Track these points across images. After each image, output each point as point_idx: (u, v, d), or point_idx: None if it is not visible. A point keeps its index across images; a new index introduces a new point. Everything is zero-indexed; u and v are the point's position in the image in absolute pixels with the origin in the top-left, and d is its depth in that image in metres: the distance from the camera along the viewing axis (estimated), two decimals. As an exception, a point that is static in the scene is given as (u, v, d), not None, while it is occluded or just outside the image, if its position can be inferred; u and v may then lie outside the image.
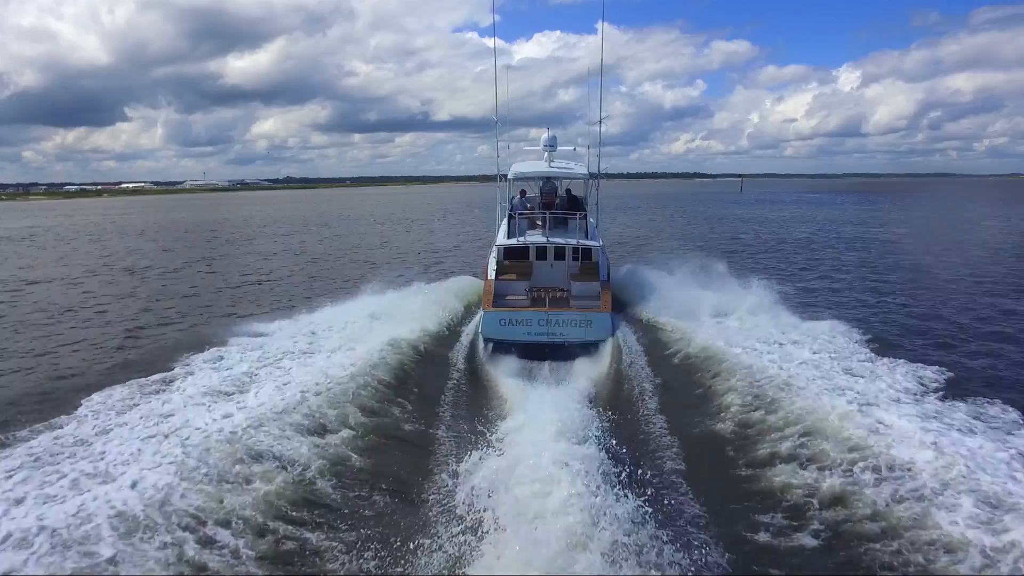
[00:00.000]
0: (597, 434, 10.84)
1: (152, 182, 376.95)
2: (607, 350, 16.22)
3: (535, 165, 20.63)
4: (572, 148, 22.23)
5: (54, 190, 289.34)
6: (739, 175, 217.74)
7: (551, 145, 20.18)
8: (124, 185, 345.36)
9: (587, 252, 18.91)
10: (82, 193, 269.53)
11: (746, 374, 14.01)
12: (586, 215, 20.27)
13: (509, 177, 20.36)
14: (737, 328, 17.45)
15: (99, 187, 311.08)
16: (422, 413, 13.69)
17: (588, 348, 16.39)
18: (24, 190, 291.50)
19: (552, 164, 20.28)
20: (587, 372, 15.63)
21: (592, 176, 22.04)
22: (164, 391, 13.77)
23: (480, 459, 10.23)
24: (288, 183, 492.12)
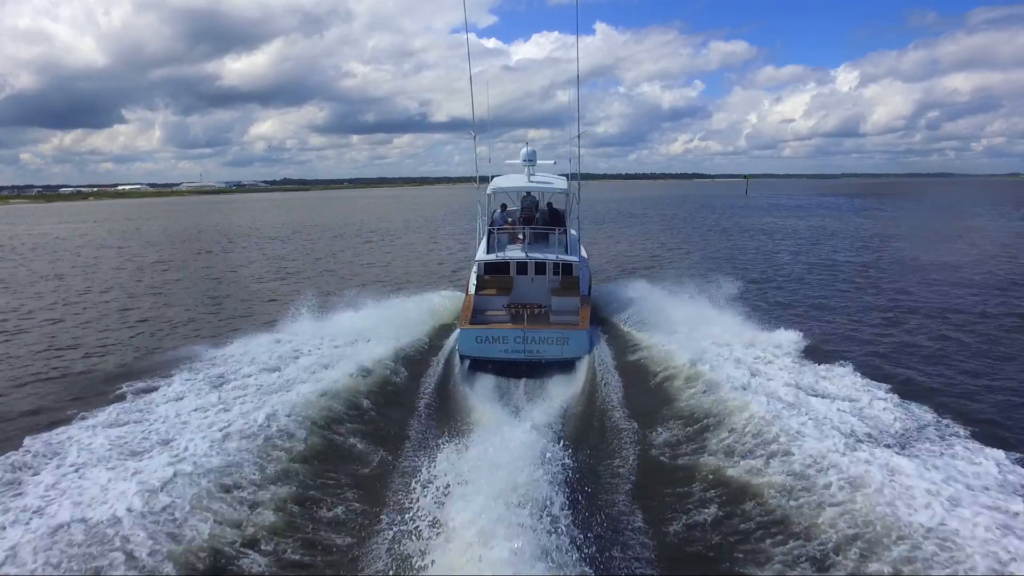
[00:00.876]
0: (549, 470, 10.47)
1: (148, 184, 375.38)
2: (583, 368, 16.05)
3: (515, 180, 20.63)
4: (552, 162, 22.03)
5: (48, 192, 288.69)
6: (744, 176, 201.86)
7: (530, 159, 20.11)
8: (120, 187, 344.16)
9: (567, 267, 18.92)
10: (71, 196, 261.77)
11: (719, 403, 13.81)
12: (566, 229, 20.27)
13: (488, 192, 20.41)
14: (718, 353, 16.83)
15: (95, 189, 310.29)
16: (384, 439, 13.48)
17: (565, 366, 16.27)
18: (19, 192, 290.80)
19: (532, 178, 20.22)
20: (561, 392, 15.45)
21: (574, 177, 22.01)
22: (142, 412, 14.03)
23: (421, 502, 9.84)
24: (285, 184, 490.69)
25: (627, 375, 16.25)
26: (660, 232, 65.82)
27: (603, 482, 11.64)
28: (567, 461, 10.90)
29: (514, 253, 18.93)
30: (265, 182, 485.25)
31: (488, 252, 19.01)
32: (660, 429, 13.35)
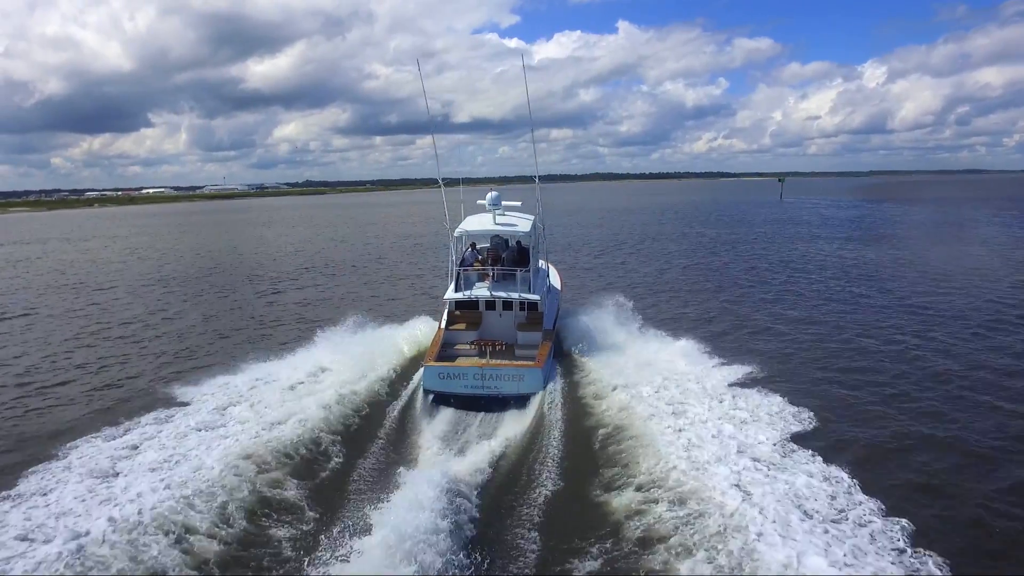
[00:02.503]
0: (469, 515, 11.69)
1: (173, 187, 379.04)
2: (535, 404, 16.84)
3: (482, 222, 21.56)
4: (519, 203, 23.07)
5: (75, 196, 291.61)
6: (778, 178, 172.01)
7: (496, 204, 21.40)
8: (145, 191, 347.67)
9: (532, 304, 19.99)
10: (75, 203, 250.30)
11: (651, 451, 13.99)
12: (534, 268, 21.27)
13: (456, 234, 21.12)
14: (663, 395, 17.03)
15: (119, 193, 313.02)
16: (329, 483, 13.86)
17: (521, 400, 17.04)
18: (48, 196, 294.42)
19: (498, 221, 21.29)
20: (509, 429, 16.01)
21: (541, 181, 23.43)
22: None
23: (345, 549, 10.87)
24: (307, 187, 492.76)
25: (571, 414, 16.68)
26: (688, 282, 38.27)
27: (506, 534, 11.92)
28: (471, 515, 11.82)
29: (481, 292, 19.95)
30: (287, 184, 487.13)
31: (456, 291, 20.08)
32: (582, 475, 13.79)
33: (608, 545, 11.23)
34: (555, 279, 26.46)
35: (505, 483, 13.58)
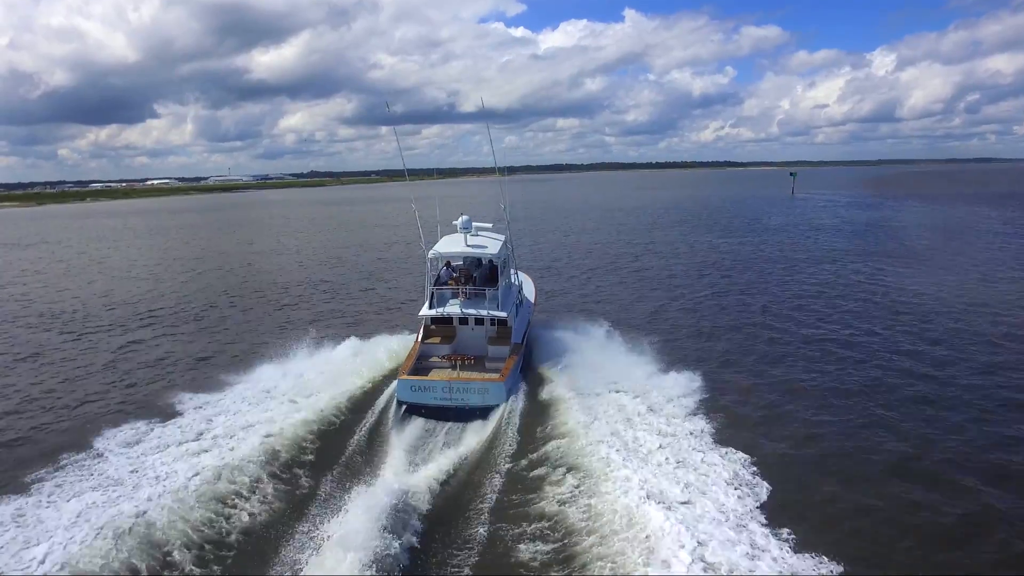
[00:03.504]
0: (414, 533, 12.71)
1: (178, 178, 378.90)
2: (497, 415, 18.08)
3: (454, 244, 22.55)
4: (490, 225, 24.19)
5: (80, 188, 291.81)
6: (790, 172, 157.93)
7: (467, 227, 22.35)
8: (150, 182, 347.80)
9: (502, 320, 21.27)
10: (66, 196, 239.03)
11: (591, 462, 15.18)
12: (507, 284, 22.85)
13: (430, 256, 22.10)
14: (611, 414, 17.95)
15: (124, 184, 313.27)
16: (296, 495, 14.81)
17: (486, 411, 18.34)
18: (52, 188, 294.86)
19: (469, 243, 22.30)
20: (471, 439, 17.38)
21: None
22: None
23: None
24: (313, 177, 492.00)
25: (527, 426, 17.84)
26: (693, 323, 30.38)
27: (447, 544, 12.93)
28: (416, 528, 12.92)
29: (453, 309, 21.14)
30: (292, 175, 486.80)
31: (430, 308, 21.24)
32: (523, 484, 15.05)
33: (538, 546, 12.64)
34: (530, 290, 27.59)
35: (455, 493, 14.80)
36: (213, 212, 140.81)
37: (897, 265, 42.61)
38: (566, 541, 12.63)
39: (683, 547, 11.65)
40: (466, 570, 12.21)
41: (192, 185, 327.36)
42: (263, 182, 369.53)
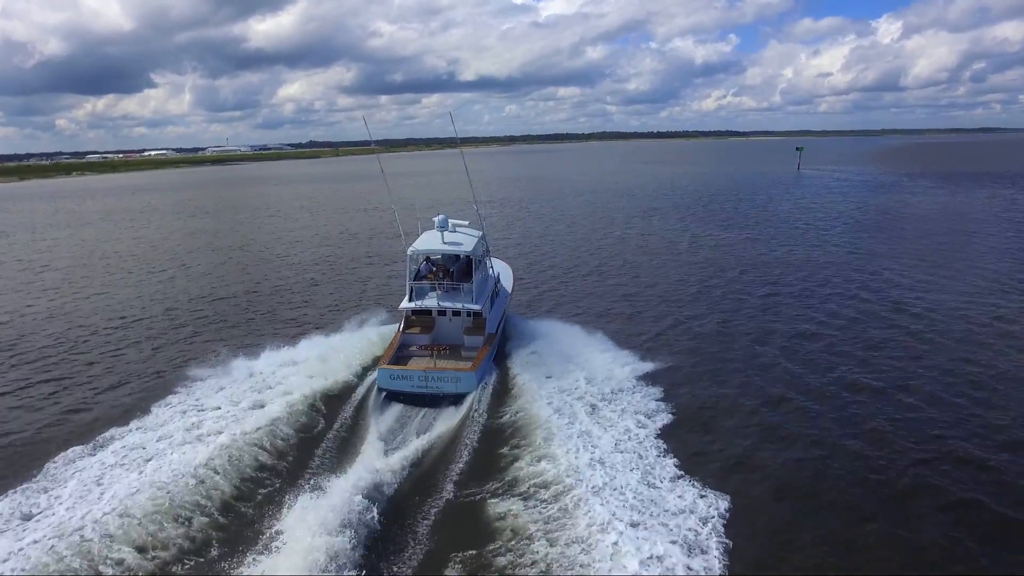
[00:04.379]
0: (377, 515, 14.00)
1: (175, 149, 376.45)
2: (468, 403, 19.60)
3: (432, 241, 23.87)
4: (467, 223, 25.76)
5: (77, 159, 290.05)
6: (792, 139, 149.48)
7: (443, 226, 23.72)
8: (148, 153, 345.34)
9: (476, 312, 22.73)
10: (48, 170, 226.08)
11: (547, 446, 16.68)
12: (485, 276, 24.39)
13: (409, 252, 23.44)
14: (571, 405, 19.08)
15: (122, 155, 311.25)
16: (279, 477, 16.24)
17: (458, 398, 19.89)
18: (49, 160, 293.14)
19: (445, 240, 23.63)
20: (443, 425, 18.82)
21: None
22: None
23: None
24: (312, 147, 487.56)
25: (493, 412, 19.31)
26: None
27: (409, 524, 14.33)
28: (383, 509, 14.41)
29: (431, 302, 22.75)
30: (290, 145, 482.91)
31: (410, 301, 22.90)
32: (486, 467, 16.42)
33: (490, 528, 13.89)
34: (508, 279, 28.62)
35: (421, 477, 16.19)
36: (197, 189, 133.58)
37: (928, 271, 36.49)
38: (515, 524, 13.80)
39: (615, 532, 12.94)
40: (425, 548, 13.54)
41: (187, 157, 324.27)
42: (260, 153, 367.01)
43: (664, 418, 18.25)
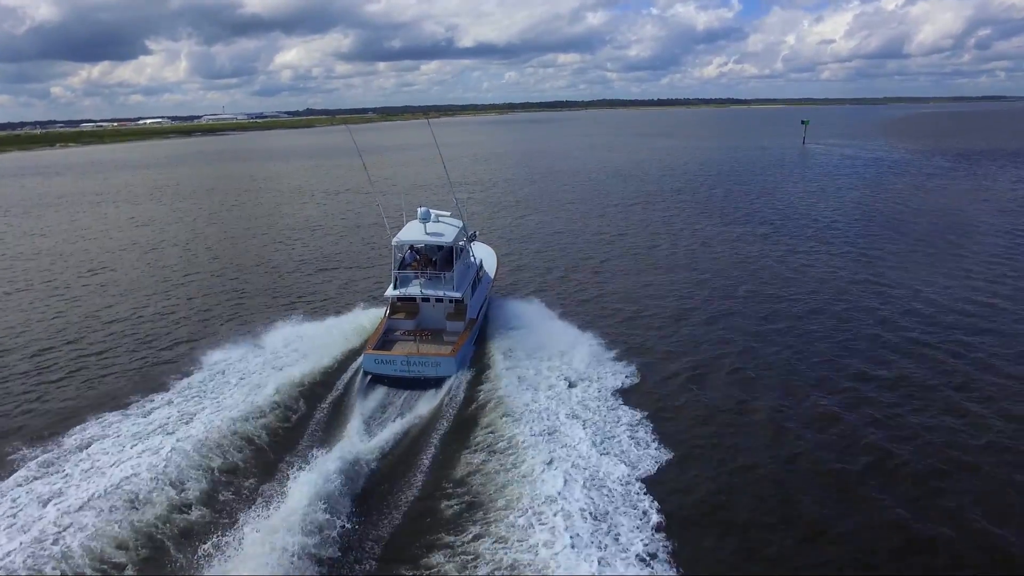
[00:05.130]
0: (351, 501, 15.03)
1: (171, 118, 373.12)
2: (447, 386, 20.85)
3: (415, 232, 24.74)
4: (448, 213, 26.76)
5: (68, 128, 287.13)
6: (795, 107, 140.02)
7: (426, 218, 24.52)
8: (143, 121, 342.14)
9: (457, 299, 23.88)
10: (31, 140, 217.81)
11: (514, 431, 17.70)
12: (468, 263, 25.63)
13: (394, 243, 24.63)
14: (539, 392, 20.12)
15: (116, 124, 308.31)
16: (266, 455, 17.32)
17: (439, 382, 21.13)
18: (43, 128, 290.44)
19: (428, 231, 24.56)
20: (422, 408, 20.03)
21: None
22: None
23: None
24: (309, 115, 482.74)
25: (469, 396, 20.33)
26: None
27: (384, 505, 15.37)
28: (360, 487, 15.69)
29: (414, 290, 23.79)
30: (287, 113, 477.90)
31: (395, 289, 24.05)
32: (459, 449, 17.41)
33: (454, 508, 14.89)
34: (491, 264, 29.47)
35: (398, 459, 17.24)
36: (178, 166, 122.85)
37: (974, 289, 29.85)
38: (479, 503, 14.89)
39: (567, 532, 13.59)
40: (395, 525, 14.69)
41: (180, 126, 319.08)
42: (254, 121, 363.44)
43: (629, 412, 18.78)
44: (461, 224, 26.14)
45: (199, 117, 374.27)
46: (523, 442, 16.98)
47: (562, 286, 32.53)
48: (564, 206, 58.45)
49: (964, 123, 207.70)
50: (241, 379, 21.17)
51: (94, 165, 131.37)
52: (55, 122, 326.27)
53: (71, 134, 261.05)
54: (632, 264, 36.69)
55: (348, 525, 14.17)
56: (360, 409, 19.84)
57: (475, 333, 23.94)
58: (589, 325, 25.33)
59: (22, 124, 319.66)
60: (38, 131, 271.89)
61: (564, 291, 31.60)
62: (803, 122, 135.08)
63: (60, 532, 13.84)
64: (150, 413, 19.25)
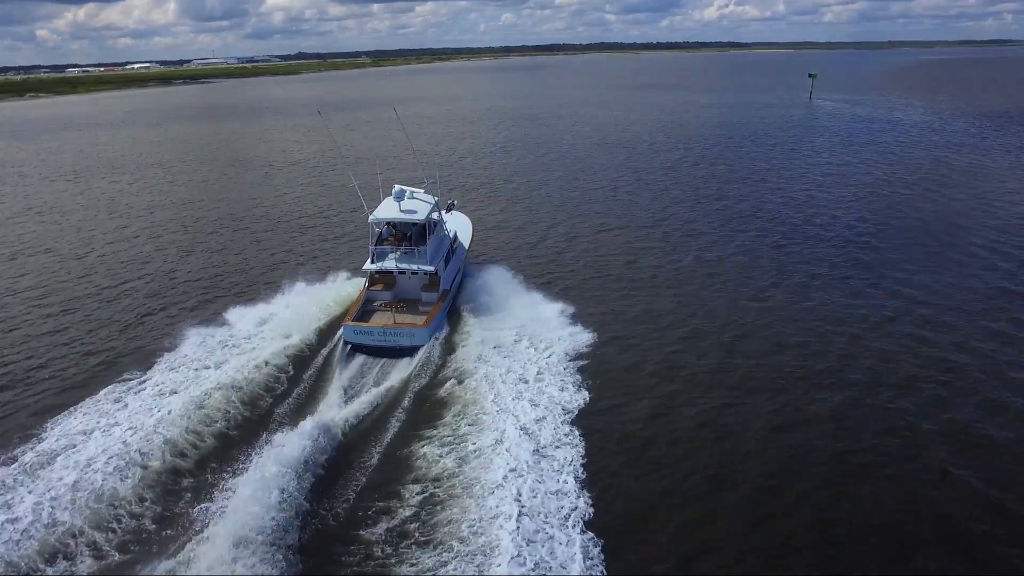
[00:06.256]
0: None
1: (160, 62, 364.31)
2: (420, 355, 22.64)
3: (389, 210, 26.13)
4: (422, 190, 28.01)
5: (53, 73, 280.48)
6: (799, 55, 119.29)
7: (399, 196, 25.98)
8: (132, 67, 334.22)
9: (431, 272, 25.58)
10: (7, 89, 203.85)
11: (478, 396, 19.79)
12: (427, 246, 26.04)
13: (370, 220, 26.07)
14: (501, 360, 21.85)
15: (103, 69, 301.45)
16: (252, 424, 19.05)
17: (413, 350, 22.91)
18: (26, 74, 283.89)
19: (402, 208, 26.04)
20: (397, 375, 21.81)
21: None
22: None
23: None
24: (300, 59, 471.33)
25: (439, 364, 22.30)
26: None
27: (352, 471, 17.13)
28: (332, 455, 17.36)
29: (390, 264, 25.42)
30: (279, 57, 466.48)
31: (372, 263, 25.67)
32: (425, 414, 19.37)
33: (416, 474, 16.66)
34: (466, 234, 30.91)
35: (369, 425, 19.03)
36: (145, 126, 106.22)
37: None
38: (438, 472, 16.64)
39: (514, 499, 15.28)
40: (364, 481, 16.66)
41: (167, 71, 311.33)
42: (243, 67, 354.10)
43: (585, 382, 20.50)
44: (434, 200, 27.40)
45: (189, 62, 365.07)
46: (484, 415, 18.67)
47: (535, 255, 33.68)
48: (543, 176, 54.20)
49: (975, 74, 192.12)
50: (226, 348, 22.90)
51: (54, 122, 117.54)
52: (40, 67, 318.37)
53: (48, 81, 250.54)
54: (612, 240, 35.82)
55: (321, 486, 16.03)
56: (340, 377, 21.64)
57: (448, 303, 25.61)
58: (557, 294, 27.09)
59: (5, 69, 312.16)
60: (18, 77, 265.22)
61: (537, 260, 32.88)
62: (810, 76, 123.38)
63: (52, 500, 15.34)
64: (138, 385, 20.79)
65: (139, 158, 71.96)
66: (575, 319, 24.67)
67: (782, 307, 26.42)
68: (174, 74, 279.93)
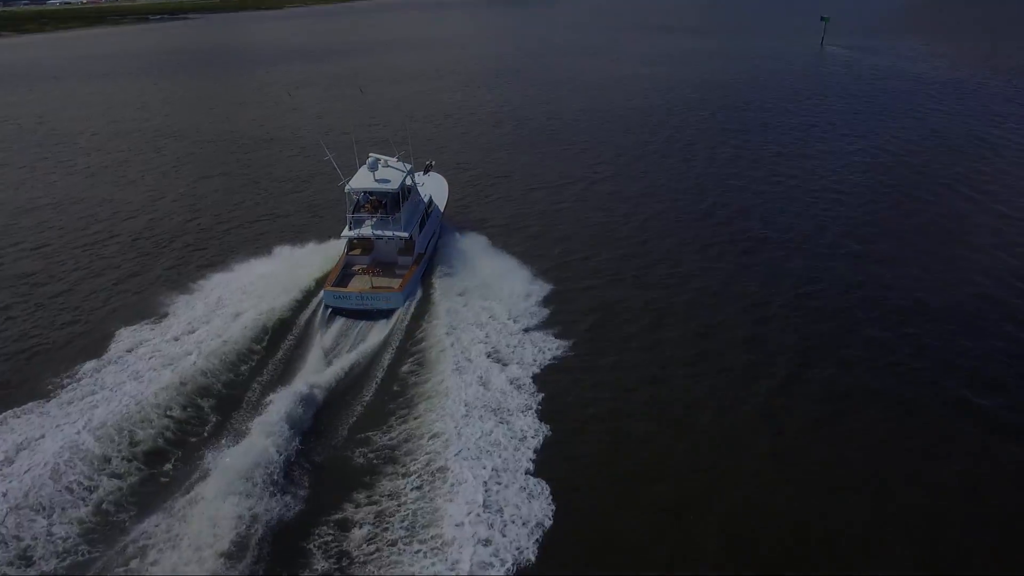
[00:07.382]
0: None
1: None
2: (395, 317, 24.56)
3: (364, 180, 27.37)
4: (396, 157, 29.23)
5: (34, 6, 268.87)
6: (822, 16, 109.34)
7: (373, 167, 27.19)
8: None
9: (406, 238, 27.10)
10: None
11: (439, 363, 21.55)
12: (401, 212, 27.38)
13: (346, 190, 27.45)
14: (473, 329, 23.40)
15: (88, 2, 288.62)
16: (236, 391, 20.64)
17: (389, 313, 24.81)
18: (4, 5, 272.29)
19: (376, 178, 27.28)
20: (373, 339, 23.53)
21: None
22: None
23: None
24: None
25: (411, 328, 24.03)
26: None
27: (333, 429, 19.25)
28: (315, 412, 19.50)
29: (366, 231, 27.04)
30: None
31: (350, 230, 27.21)
32: (395, 376, 21.46)
33: (380, 440, 18.63)
34: (442, 196, 32.23)
35: (349, 386, 20.93)
36: (106, 77, 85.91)
37: None
38: (409, 413, 19.37)
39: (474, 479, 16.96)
40: (344, 437, 18.76)
41: (148, 4, 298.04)
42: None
43: (550, 360, 21.89)
44: (407, 168, 28.72)
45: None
46: (445, 383, 20.43)
47: (511, 219, 34.09)
48: (524, 138, 50.58)
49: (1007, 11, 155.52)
50: (213, 311, 24.39)
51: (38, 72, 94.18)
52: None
53: (24, 14, 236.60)
54: (589, 207, 35.34)
55: (306, 443, 18.11)
56: (321, 339, 23.39)
57: (423, 266, 27.41)
58: (528, 258, 28.53)
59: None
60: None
61: (512, 222, 33.56)
62: (822, 19, 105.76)
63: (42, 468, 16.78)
64: (116, 355, 22.02)
65: (99, 123, 60.10)
66: (542, 281, 26.60)
67: (766, 301, 25.50)
68: (159, 7, 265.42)
